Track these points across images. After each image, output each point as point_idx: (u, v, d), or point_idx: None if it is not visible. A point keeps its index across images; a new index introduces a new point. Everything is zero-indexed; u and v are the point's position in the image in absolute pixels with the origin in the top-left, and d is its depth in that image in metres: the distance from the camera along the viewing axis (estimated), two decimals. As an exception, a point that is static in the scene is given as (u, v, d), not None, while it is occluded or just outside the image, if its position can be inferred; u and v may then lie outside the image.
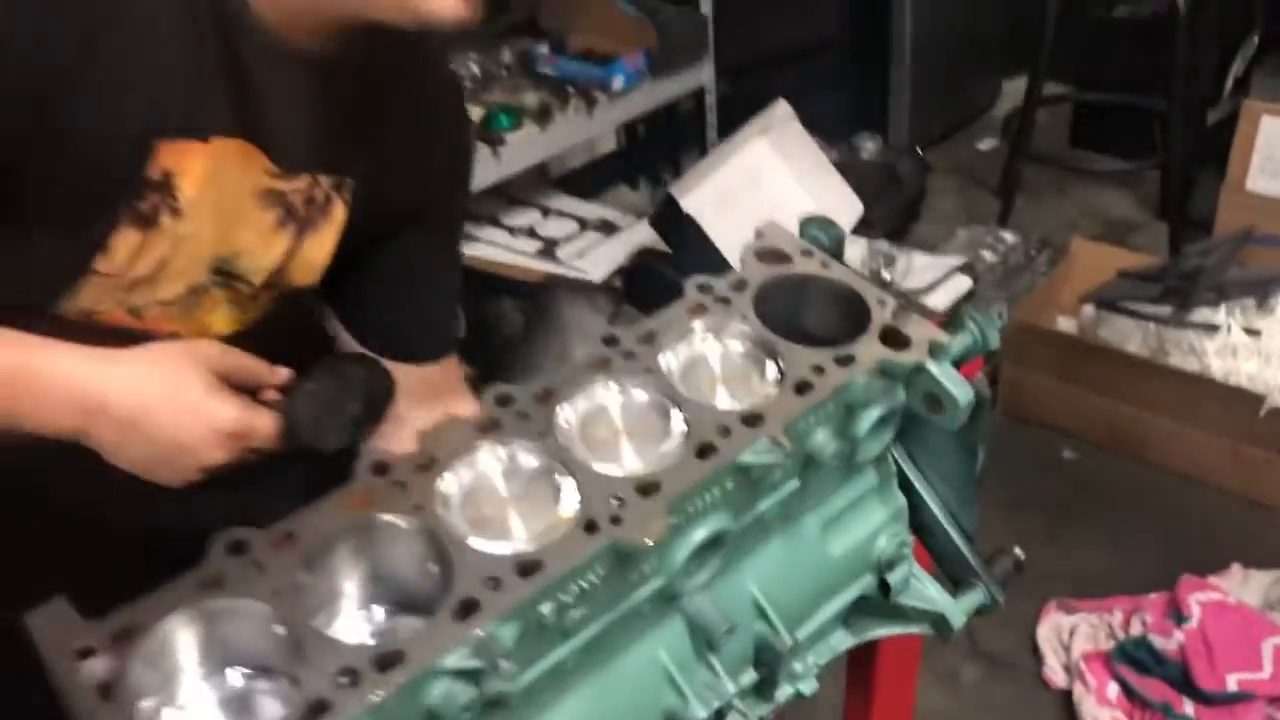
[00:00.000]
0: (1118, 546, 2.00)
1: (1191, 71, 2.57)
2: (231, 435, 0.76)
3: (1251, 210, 2.19)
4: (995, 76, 3.49)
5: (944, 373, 0.82)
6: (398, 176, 0.94)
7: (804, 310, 0.88)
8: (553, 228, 2.27)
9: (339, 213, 0.90)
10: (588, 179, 2.91)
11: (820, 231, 0.93)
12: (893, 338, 0.82)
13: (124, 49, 0.72)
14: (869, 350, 0.81)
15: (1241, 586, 1.80)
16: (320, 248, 0.91)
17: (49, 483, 0.85)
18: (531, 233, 2.25)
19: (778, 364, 0.81)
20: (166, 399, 0.74)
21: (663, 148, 3.02)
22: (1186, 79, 2.54)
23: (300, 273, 0.91)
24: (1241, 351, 1.99)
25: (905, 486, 0.95)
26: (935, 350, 0.82)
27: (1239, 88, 2.87)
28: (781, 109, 2.18)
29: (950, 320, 0.87)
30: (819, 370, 0.79)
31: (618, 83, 2.25)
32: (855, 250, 2.22)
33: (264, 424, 0.78)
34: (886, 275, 2.16)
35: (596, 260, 2.18)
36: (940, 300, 2.14)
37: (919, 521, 0.97)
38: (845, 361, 0.80)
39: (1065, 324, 2.33)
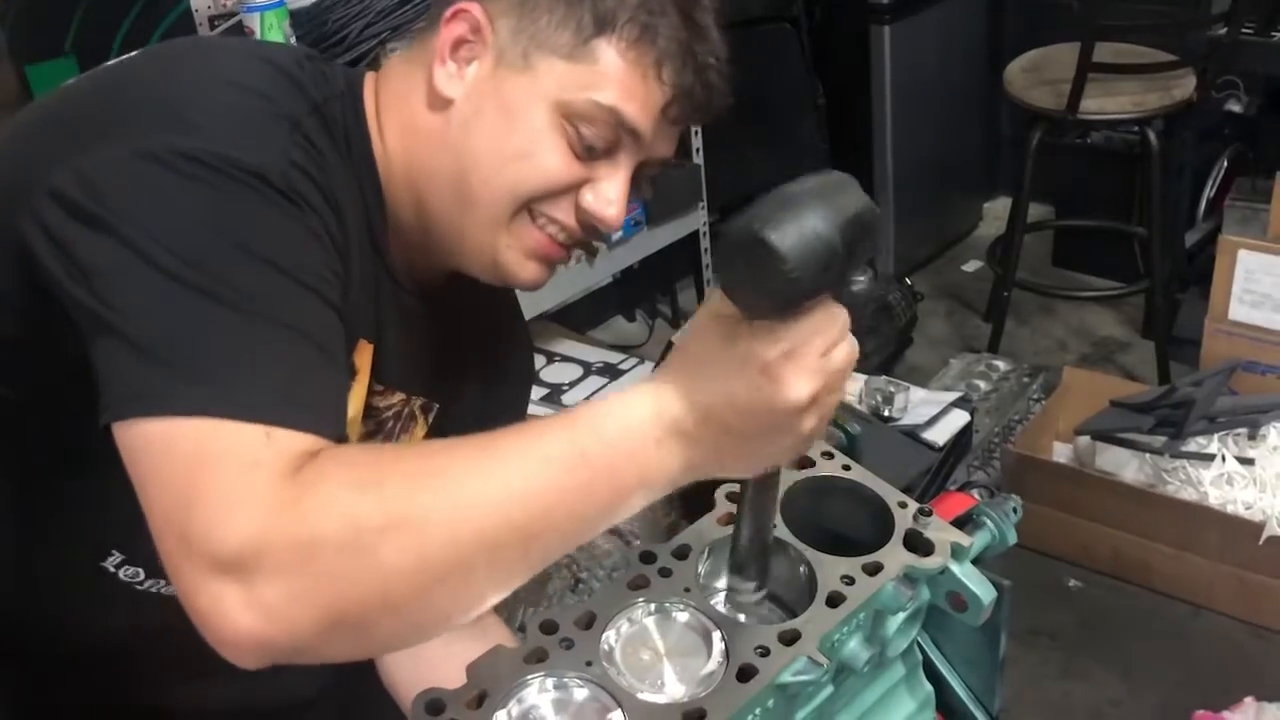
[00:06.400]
0: (1130, 678, 2.01)
1: (1166, 197, 2.67)
2: (793, 355, 0.63)
3: (1236, 338, 2.27)
4: (976, 199, 3.60)
5: (967, 573, 0.86)
6: (470, 408, 1.02)
7: (827, 512, 0.91)
8: (556, 373, 2.32)
9: (419, 432, 0.96)
10: (584, 312, 2.97)
11: (837, 428, 0.97)
12: (917, 543, 0.85)
13: (349, 257, 0.81)
14: (895, 557, 0.84)
15: (1256, 721, 1.81)
16: None
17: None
18: (536, 378, 2.30)
19: (806, 576, 0.84)
20: (719, 369, 0.64)
21: (658, 279, 3.09)
22: (1163, 205, 2.64)
23: None
24: (1237, 481, 2.03)
25: (930, 670, 0.98)
26: (957, 553, 0.86)
27: (1211, 210, 2.98)
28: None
29: (967, 519, 0.91)
30: (849, 580, 0.82)
31: (617, 234, 2.33)
32: (853, 387, 2.27)
33: (821, 320, 0.64)
34: (886, 412, 2.20)
35: (601, 405, 2.22)
36: (939, 435, 2.19)
37: (946, 704, 0.99)
38: (873, 570, 0.83)
39: (1062, 451, 2.37)
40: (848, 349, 0.67)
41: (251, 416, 0.62)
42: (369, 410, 0.91)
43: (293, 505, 0.60)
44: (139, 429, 0.64)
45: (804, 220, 0.60)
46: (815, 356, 0.64)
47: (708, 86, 0.86)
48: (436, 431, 0.99)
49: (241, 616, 0.59)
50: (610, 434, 0.64)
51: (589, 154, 0.85)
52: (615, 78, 0.83)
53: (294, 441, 0.63)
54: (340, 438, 0.68)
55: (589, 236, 0.89)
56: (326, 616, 0.60)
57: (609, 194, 0.86)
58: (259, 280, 0.67)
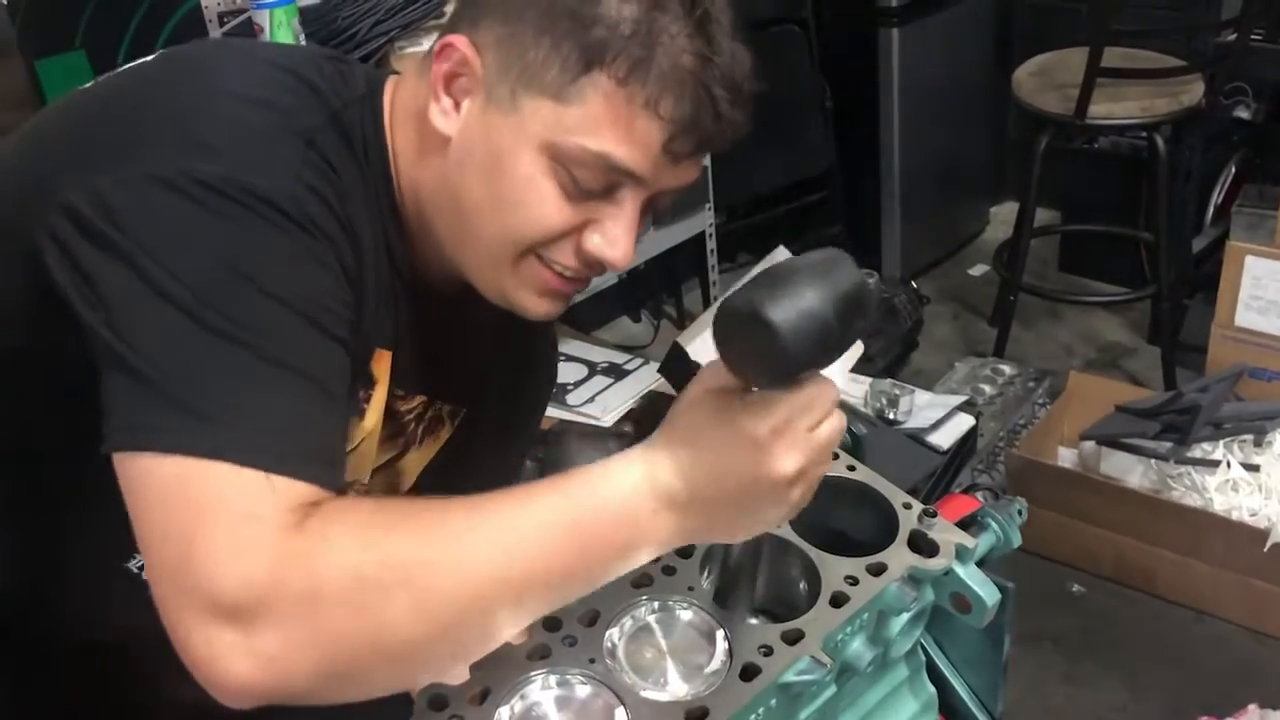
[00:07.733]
0: (1133, 684, 2.01)
1: (1174, 203, 2.66)
2: (782, 430, 0.66)
3: (1243, 344, 2.26)
4: (983, 203, 3.59)
5: (971, 575, 0.86)
6: (495, 409, 1.02)
7: (832, 512, 0.91)
8: (561, 372, 2.32)
9: (445, 435, 0.97)
10: (590, 312, 2.96)
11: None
12: (921, 544, 0.86)
13: (363, 276, 0.80)
14: (899, 557, 0.85)
15: (1260, 728, 1.80)
16: (417, 462, 0.97)
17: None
18: (542, 378, 2.30)
19: (810, 576, 0.84)
20: (712, 443, 0.67)
21: (664, 280, 3.09)
22: (1170, 211, 2.63)
23: (388, 480, 0.97)
24: (1242, 487, 2.02)
25: (933, 672, 0.98)
26: (961, 554, 0.86)
27: (1219, 216, 2.98)
28: (781, 256, 2.25)
29: (972, 520, 0.91)
30: (853, 581, 0.82)
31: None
32: (858, 390, 2.27)
33: (811, 396, 0.68)
34: (890, 415, 2.20)
35: (606, 404, 2.22)
36: (944, 439, 2.18)
37: (948, 705, 0.99)
38: (877, 570, 0.83)
39: (1066, 456, 2.36)
40: (834, 424, 0.70)
41: (254, 462, 0.63)
42: (390, 414, 0.91)
43: (298, 558, 0.61)
44: (140, 462, 0.64)
45: (799, 296, 0.63)
46: (803, 432, 0.67)
47: (717, 117, 0.77)
48: (463, 434, 1.00)
49: (238, 663, 0.60)
50: (605, 503, 0.67)
51: (586, 196, 0.80)
52: (605, 120, 0.76)
53: (295, 491, 0.64)
54: (339, 487, 0.68)
55: (599, 272, 0.85)
56: (322, 666, 0.61)
57: (613, 234, 0.81)
58: (267, 317, 0.68)
